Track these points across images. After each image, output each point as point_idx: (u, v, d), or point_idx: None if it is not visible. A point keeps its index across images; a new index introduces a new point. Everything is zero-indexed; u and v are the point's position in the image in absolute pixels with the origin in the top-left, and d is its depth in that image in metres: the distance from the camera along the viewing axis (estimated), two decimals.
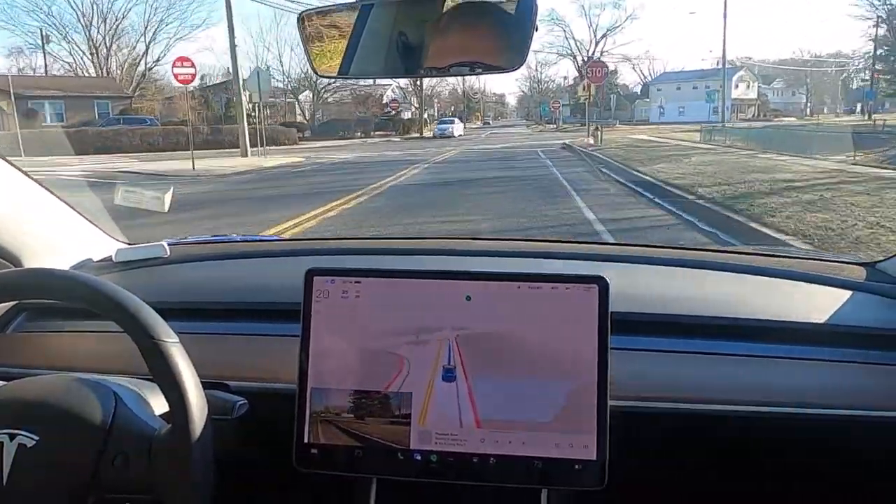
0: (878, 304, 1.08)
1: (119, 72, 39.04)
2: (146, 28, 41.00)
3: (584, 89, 21.41)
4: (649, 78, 73.81)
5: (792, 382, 0.92)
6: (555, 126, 55.31)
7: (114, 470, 0.71)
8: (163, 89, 40.55)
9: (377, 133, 43.10)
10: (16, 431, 0.71)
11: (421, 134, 43.82)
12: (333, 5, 0.93)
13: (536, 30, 0.80)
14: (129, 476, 0.72)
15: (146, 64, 40.83)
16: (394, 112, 46.24)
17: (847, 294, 1.10)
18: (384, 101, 45.03)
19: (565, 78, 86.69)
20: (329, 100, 48.25)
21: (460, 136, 39.15)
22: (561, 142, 26.83)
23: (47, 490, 0.71)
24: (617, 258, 1.30)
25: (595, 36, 68.21)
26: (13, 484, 0.70)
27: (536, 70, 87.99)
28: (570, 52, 68.62)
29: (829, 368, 0.95)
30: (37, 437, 0.71)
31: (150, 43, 40.71)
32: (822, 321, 1.01)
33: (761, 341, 0.98)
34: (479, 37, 0.83)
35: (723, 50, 38.65)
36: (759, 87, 69.74)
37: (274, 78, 37.42)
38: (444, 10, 0.83)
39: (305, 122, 41.92)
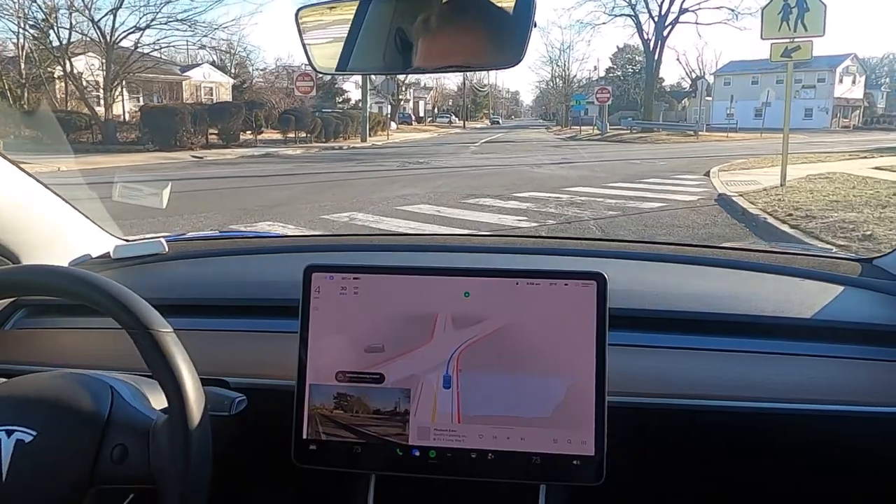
0: (876, 300, 1.08)
1: None
2: None
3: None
4: (698, 72, 50.62)
5: (791, 378, 0.92)
6: (597, 131, 35.09)
7: (112, 462, 0.72)
8: None
9: (280, 140, 22.47)
10: (13, 428, 0.72)
11: (364, 140, 25.42)
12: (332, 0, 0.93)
13: (535, 26, 0.80)
14: (128, 467, 0.72)
15: None
16: (300, 100, 24.88)
17: (845, 290, 1.10)
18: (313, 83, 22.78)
19: (595, 68, 68.02)
20: (258, 81, 32.52)
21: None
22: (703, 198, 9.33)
23: (47, 484, 0.71)
24: (615, 254, 1.30)
25: None
26: (13, 479, 0.70)
27: (561, 50, 67.84)
28: (630, 4, 38.48)
29: (827, 365, 0.95)
30: (34, 433, 0.72)
31: None
32: (820, 317, 1.01)
33: (760, 337, 0.98)
34: (479, 33, 0.83)
35: None
36: (865, 83, 50.01)
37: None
38: (444, 6, 0.83)
39: (92, 113, 20.54)
